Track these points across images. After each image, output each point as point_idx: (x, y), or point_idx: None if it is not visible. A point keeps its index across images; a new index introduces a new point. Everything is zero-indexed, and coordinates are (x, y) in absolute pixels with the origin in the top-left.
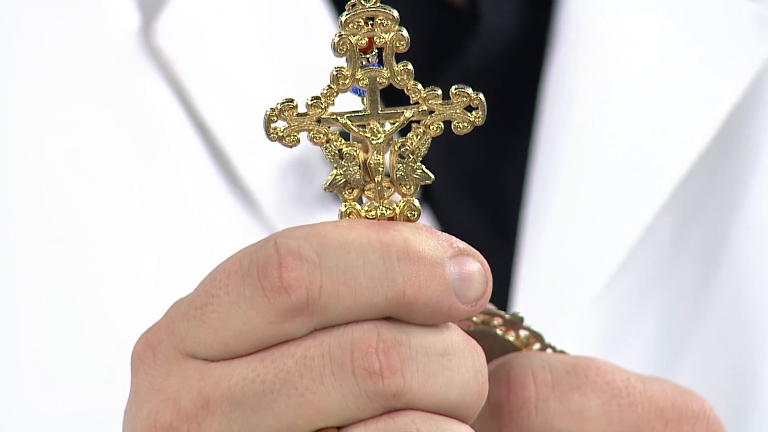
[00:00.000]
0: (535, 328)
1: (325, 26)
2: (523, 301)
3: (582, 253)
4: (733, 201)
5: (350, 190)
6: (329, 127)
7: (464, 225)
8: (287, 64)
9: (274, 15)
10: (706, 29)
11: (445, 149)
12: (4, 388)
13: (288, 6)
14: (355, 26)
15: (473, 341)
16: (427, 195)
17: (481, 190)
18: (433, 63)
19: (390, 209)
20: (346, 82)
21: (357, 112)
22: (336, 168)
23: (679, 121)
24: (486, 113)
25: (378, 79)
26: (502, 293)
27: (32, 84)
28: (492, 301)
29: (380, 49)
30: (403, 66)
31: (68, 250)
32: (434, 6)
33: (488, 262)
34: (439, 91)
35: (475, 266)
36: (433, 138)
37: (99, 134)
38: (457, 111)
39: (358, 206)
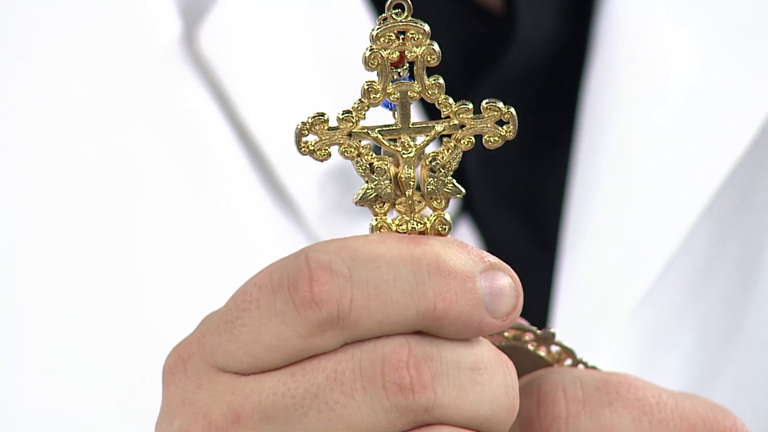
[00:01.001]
0: (567, 343)
1: (368, 32)
2: (563, 312)
3: (621, 264)
4: None
5: (381, 204)
6: (360, 141)
7: (504, 236)
8: (330, 71)
9: (317, 21)
10: (744, 36)
11: (485, 160)
12: (39, 399)
13: (331, 12)
14: (387, 40)
15: (504, 356)
16: (467, 206)
17: (521, 201)
18: (471, 71)
19: (421, 223)
20: (378, 96)
21: (388, 126)
22: (367, 182)
23: (715, 130)
24: (517, 127)
25: (409, 93)
26: (542, 304)
27: (75, 91)
28: (532, 312)
29: (411, 63)
30: (434, 80)
31: (110, 259)
32: (471, 12)
33: (528, 274)
34: (470, 105)
35: (506, 281)
36: (468, 150)
37: (142, 141)
38: (489, 125)
39: (389, 220)
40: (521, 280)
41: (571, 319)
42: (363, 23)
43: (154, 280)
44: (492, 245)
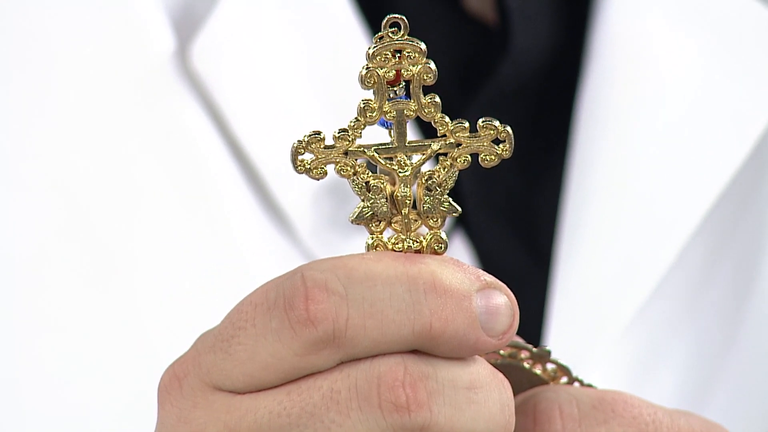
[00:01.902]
0: (563, 361)
1: (362, 50)
2: (558, 326)
3: (616, 278)
4: (765, 224)
5: (377, 223)
6: (356, 160)
7: (498, 250)
8: (323, 87)
9: (310, 38)
10: (739, 47)
11: (480, 174)
12: (34, 414)
13: (324, 29)
14: (383, 59)
15: (500, 375)
16: (461, 220)
17: (515, 215)
18: (465, 84)
19: (417, 242)
20: (374, 114)
21: (384, 144)
22: (363, 200)
23: (711, 143)
24: (513, 146)
25: (405, 112)
26: (536, 318)
27: (69, 105)
28: (526, 325)
29: (408, 82)
30: (430, 99)
31: (104, 275)
32: (465, 25)
33: (522, 287)
34: (467, 124)
35: (502, 299)
36: (465, 168)
37: (135, 156)
38: (485, 144)
39: (385, 239)
40: (515, 293)
41: (565, 333)
42: (357, 39)
43: (148, 296)
44: (486, 259)
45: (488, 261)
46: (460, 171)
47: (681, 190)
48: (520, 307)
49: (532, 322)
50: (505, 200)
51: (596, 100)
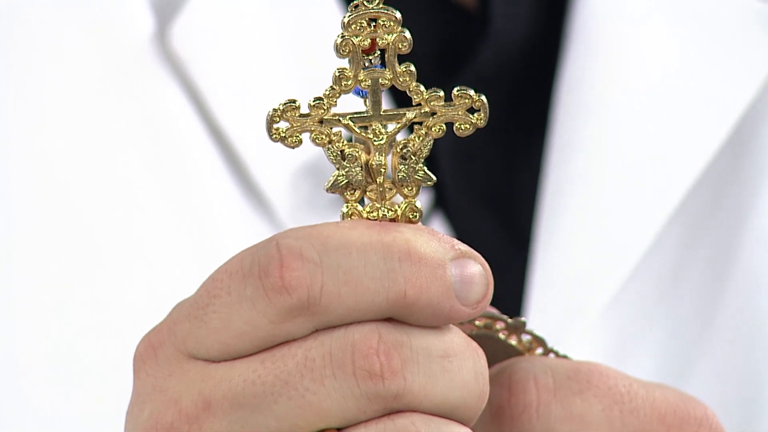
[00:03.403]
0: (538, 332)
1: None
2: (537, 308)
3: (595, 260)
4: (743, 208)
5: (352, 191)
6: (332, 128)
7: (478, 232)
8: (302, 68)
9: (289, 19)
10: (717, 33)
11: (459, 156)
12: (8, 389)
13: (303, 10)
14: (358, 27)
15: (474, 344)
16: (440, 202)
17: (494, 197)
18: (444, 68)
19: (392, 210)
20: (349, 83)
21: (359, 113)
22: (338, 169)
23: (689, 128)
24: (488, 115)
25: (380, 81)
26: (515, 300)
27: (47, 89)
28: (505, 307)
29: (383, 51)
30: (405, 67)
31: (81, 252)
32: (445, 9)
33: (501, 269)
34: (441, 93)
35: (477, 268)
36: (444, 143)
37: (113, 138)
38: (459, 113)
39: (360, 207)
40: (495, 275)
41: (544, 315)
42: (334, 19)
43: (125, 275)
44: (465, 241)
45: (468, 242)
46: (440, 153)
47: (659, 174)
48: (498, 290)
49: (511, 304)
50: (484, 183)
51: (575, 84)
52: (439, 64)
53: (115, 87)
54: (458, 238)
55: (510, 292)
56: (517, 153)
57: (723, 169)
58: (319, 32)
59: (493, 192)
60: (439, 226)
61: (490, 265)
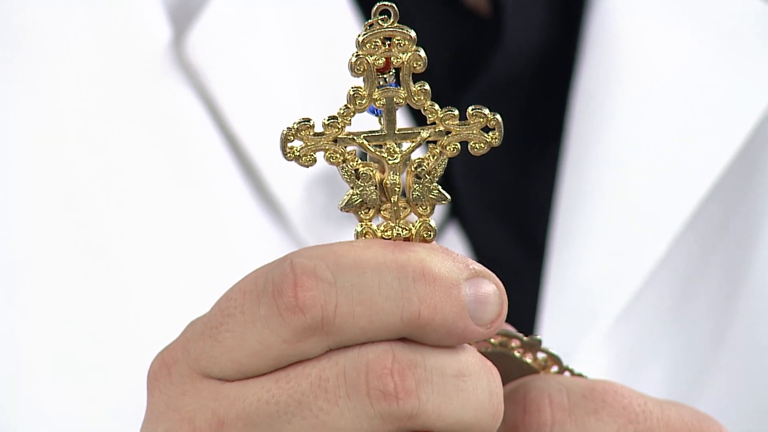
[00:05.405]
0: (554, 350)
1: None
2: (550, 318)
3: (608, 271)
4: (757, 218)
5: (366, 210)
6: (346, 147)
7: (492, 242)
8: (318, 78)
9: (305, 29)
10: (733, 42)
11: (473, 166)
12: (16, 393)
13: (319, 20)
14: (373, 46)
15: (488, 363)
16: (455, 212)
17: (509, 206)
18: (458, 75)
19: (406, 229)
20: (363, 102)
21: (374, 132)
22: (352, 188)
23: (704, 138)
24: (503, 134)
25: (395, 100)
26: (529, 310)
27: (64, 97)
28: (519, 317)
29: (397, 69)
30: (420, 86)
31: (97, 264)
32: (458, 16)
33: (515, 279)
34: (456, 112)
35: (491, 288)
36: (454, 156)
37: (130, 147)
38: (474, 132)
39: (374, 226)
40: (508, 286)
41: (557, 325)
42: (351, 30)
43: (140, 285)
44: (480, 251)
45: (482, 254)
46: (452, 162)
47: (673, 184)
48: (512, 300)
49: (524, 315)
50: (498, 193)
51: (590, 93)
52: (452, 71)
53: (131, 95)
54: (472, 248)
55: (523, 302)
56: (531, 162)
57: (737, 180)
58: (335, 40)
59: (507, 202)
60: (453, 236)
61: (504, 275)
